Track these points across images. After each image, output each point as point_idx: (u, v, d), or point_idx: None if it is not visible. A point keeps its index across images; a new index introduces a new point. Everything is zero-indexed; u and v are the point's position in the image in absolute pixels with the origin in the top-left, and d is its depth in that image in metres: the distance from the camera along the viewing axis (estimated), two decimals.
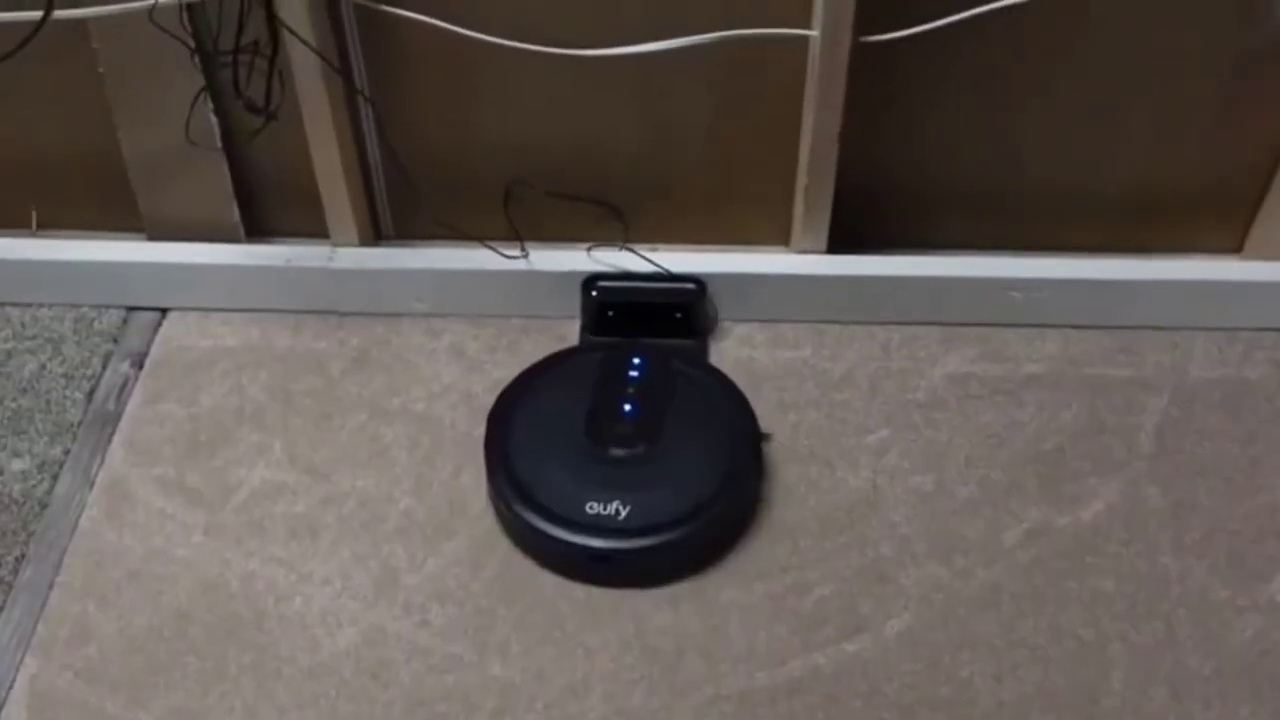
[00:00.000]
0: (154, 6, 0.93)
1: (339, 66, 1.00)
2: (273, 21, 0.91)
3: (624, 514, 0.95)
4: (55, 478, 1.03)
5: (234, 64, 0.94)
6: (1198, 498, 1.00)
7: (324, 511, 1.00)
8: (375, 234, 1.15)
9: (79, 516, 1.00)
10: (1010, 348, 1.11)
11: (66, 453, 1.04)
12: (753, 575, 0.96)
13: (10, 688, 0.90)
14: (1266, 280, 1.10)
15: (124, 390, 1.09)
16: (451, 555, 0.97)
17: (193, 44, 0.99)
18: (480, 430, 1.04)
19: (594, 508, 0.95)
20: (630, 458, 0.98)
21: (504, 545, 0.98)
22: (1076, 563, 0.96)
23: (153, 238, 1.15)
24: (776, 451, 1.03)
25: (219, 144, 1.07)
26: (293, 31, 0.94)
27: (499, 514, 0.99)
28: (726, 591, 0.95)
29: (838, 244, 1.11)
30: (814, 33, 0.97)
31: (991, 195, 1.11)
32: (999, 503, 1.00)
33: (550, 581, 0.95)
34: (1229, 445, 1.03)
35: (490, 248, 1.10)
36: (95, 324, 1.14)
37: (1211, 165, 1.08)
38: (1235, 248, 1.13)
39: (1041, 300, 1.11)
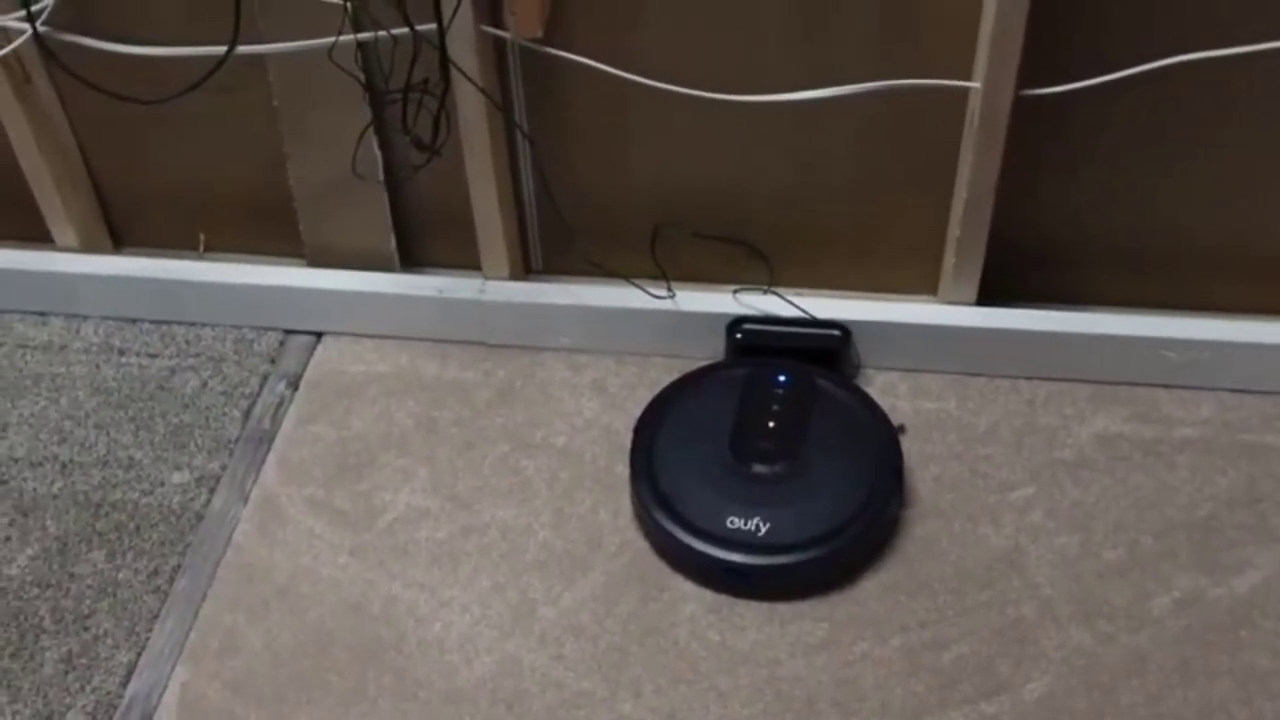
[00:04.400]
0: (334, 45, 0.96)
1: (502, 105, 1.03)
2: (445, 62, 0.94)
3: (764, 530, 0.96)
4: (212, 492, 1.06)
5: (404, 101, 0.97)
6: None
7: (465, 540, 1.02)
8: (525, 268, 1.17)
9: (233, 531, 1.04)
10: (1162, 409, 1.08)
11: (223, 468, 1.08)
12: (889, 628, 0.95)
13: (163, 693, 0.93)
14: None
15: (279, 410, 1.13)
16: (588, 590, 0.98)
17: (363, 80, 1.02)
18: (620, 467, 1.05)
19: (735, 522, 0.96)
20: (772, 474, 0.99)
21: (639, 583, 0.98)
22: (1229, 636, 0.93)
23: (312, 264, 1.19)
24: (917, 504, 1.02)
25: (381, 177, 1.10)
26: (461, 71, 0.96)
27: (640, 523, 1.00)
28: (861, 643, 0.94)
29: (986, 296, 1.10)
30: (976, 84, 0.97)
31: (1143, 253, 1.09)
32: (1148, 569, 0.97)
33: (685, 622, 0.96)
34: None
35: (637, 286, 1.11)
36: (255, 345, 1.18)
37: None
38: None
39: (1196, 361, 1.08)
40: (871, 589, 0.97)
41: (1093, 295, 1.11)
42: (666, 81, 1.00)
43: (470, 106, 1.01)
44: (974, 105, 0.98)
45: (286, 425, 1.12)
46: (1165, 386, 1.09)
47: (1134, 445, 1.06)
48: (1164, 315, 1.09)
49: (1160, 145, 1.02)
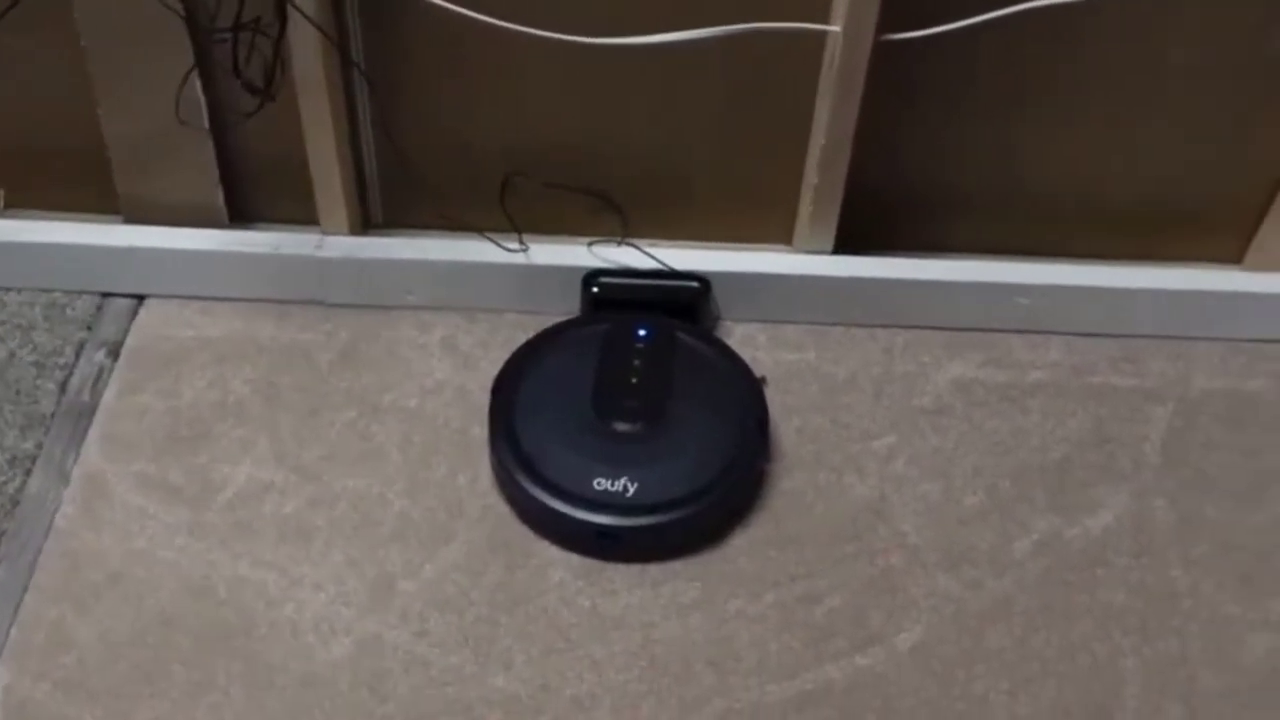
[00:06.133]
0: None
1: (339, 46, 0.96)
2: (282, 2, 0.87)
3: (632, 490, 0.93)
4: (28, 473, 0.97)
5: (234, 41, 0.89)
6: (1205, 511, 0.99)
7: (314, 513, 0.96)
8: (366, 222, 1.11)
9: (54, 515, 0.95)
10: (1015, 354, 1.09)
11: (39, 447, 0.99)
12: (761, 585, 0.93)
13: None
14: (1270, 291, 1.09)
15: (99, 381, 1.04)
16: (450, 561, 0.94)
17: (183, 16, 0.94)
18: (476, 429, 1.01)
19: (602, 483, 0.93)
20: (637, 433, 0.97)
21: (504, 550, 0.94)
22: (1086, 575, 0.95)
23: (130, 220, 1.10)
24: (783, 457, 1.01)
25: (206, 124, 1.02)
26: (297, 8, 0.89)
27: (503, 487, 0.96)
28: (735, 601, 0.92)
29: (842, 245, 1.09)
30: (835, 28, 0.94)
31: (999, 200, 1.09)
32: (1007, 512, 0.98)
33: (554, 589, 0.92)
34: (1234, 458, 1.02)
35: (488, 239, 1.06)
36: (68, 310, 1.09)
37: (1217, 177, 1.07)
38: (1236, 258, 1.13)
39: (1046, 307, 1.09)
40: (742, 545, 0.96)
41: (949, 243, 1.11)
42: (516, 22, 0.95)
43: (305, 46, 0.94)
44: (833, 50, 0.96)
45: (108, 397, 1.03)
46: (1017, 332, 1.10)
47: (989, 390, 1.07)
48: (1016, 262, 1.10)
49: (1015, 93, 1.02)
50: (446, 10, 0.94)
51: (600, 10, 0.96)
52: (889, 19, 0.94)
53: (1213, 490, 1.00)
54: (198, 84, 0.99)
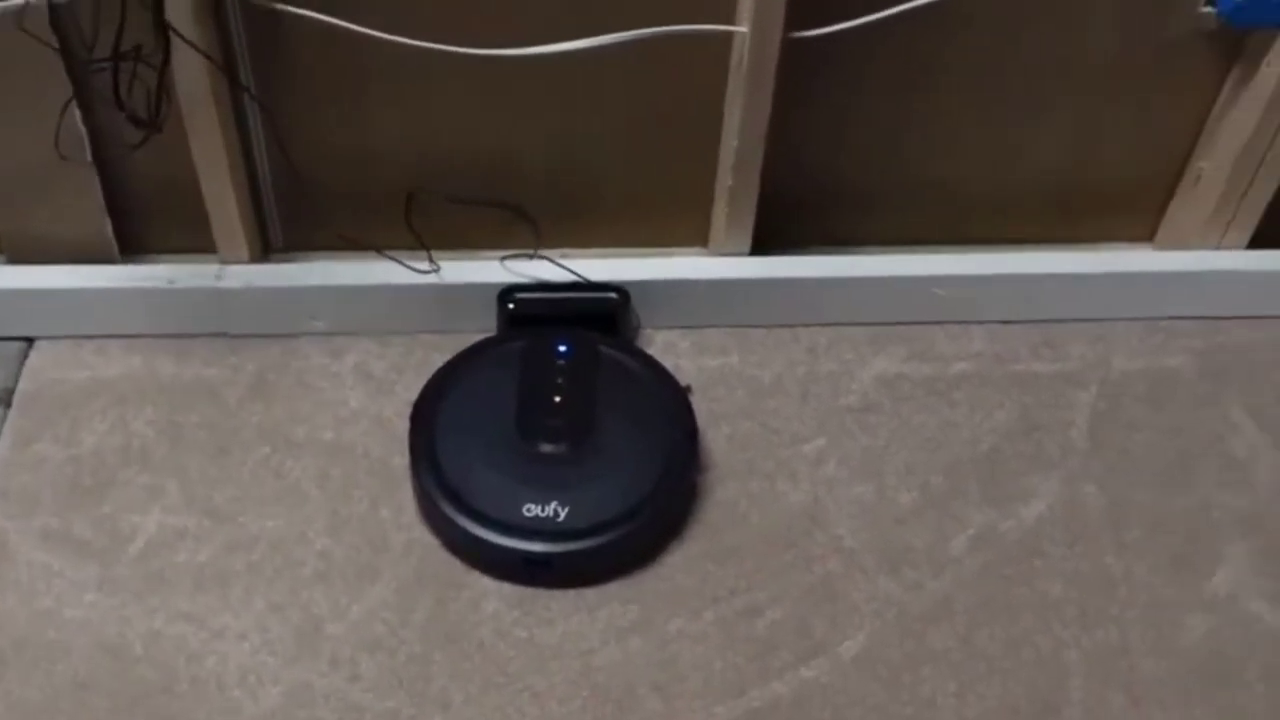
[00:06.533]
0: (24, 8, 0.82)
1: (226, 70, 0.91)
2: (162, 25, 0.82)
3: (563, 514, 0.91)
4: None
5: (114, 71, 0.84)
6: (1134, 494, 0.99)
7: (232, 558, 0.92)
8: (265, 247, 1.06)
9: None
10: (938, 346, 1.09)
11: None
12: (700, 601, 0.91)
13: None
14: (1180, 270, 1.10)
15: None
16: (378, 599, 0.90)
17: (57, 48, 0.88)
18: (397, 459, 0.97)
19: (531, 509, 0.91)
20: (565, 454, 0.94)
21: (434, 584, 0.91)
22: (1024, 567, 0.94)
23: (13, 258, 1.04)
24: (713, 467, 0.99)
25: (89, 157, 0.96)
26: (178, 34, 0.84)
27: (428, 519, 0.93)
28: (674, 621, 0.90)
29: (756, 245, 1.07)
30: (742, 29, 0.92)
31: (907, 193, 1.08)
32: (942, 509, 0.98)
33: (488, 621, 0.89)
34: (1158, 438, 1.03)
35: (395, 260, 1.02)
36: None
37: (1124, 158, 1.07)
38: (1148, 237, 1.13)
39: (965, 297, 1.09)
40: (678, 562, 0.93)
41: (862, 237, 1.10)
42: (407, 35, 0.91)
43: (190, 73, 0.89)
44: (741, 50, 0.94)
45: (2, 448, 0.98)
46: (938, 323, 1.10)
47: (915, 384, 1.06)
48: (931, 254, 1.09)
49: (916, 83, 1.01)
50: (338, 27, 0.90)
51: (498, 20, 0.93)
52: (794, 17, 0.92)
53: (1140, 473, 1.01)
54: (77, 115, 0.94)
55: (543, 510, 0.90)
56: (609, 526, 0.90)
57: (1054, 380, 1.07)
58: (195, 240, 1.03)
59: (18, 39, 0.86)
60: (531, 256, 1.05)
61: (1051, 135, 1.06)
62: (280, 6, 0.89)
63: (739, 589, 0.92)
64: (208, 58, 0.86)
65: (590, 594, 0.91)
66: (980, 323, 1.10)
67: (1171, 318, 1.11)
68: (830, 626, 0.90)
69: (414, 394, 0.99)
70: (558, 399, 0.97)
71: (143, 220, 1.04)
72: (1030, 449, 1.02)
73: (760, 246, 1.07)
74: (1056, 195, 1.10)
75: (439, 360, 1.03)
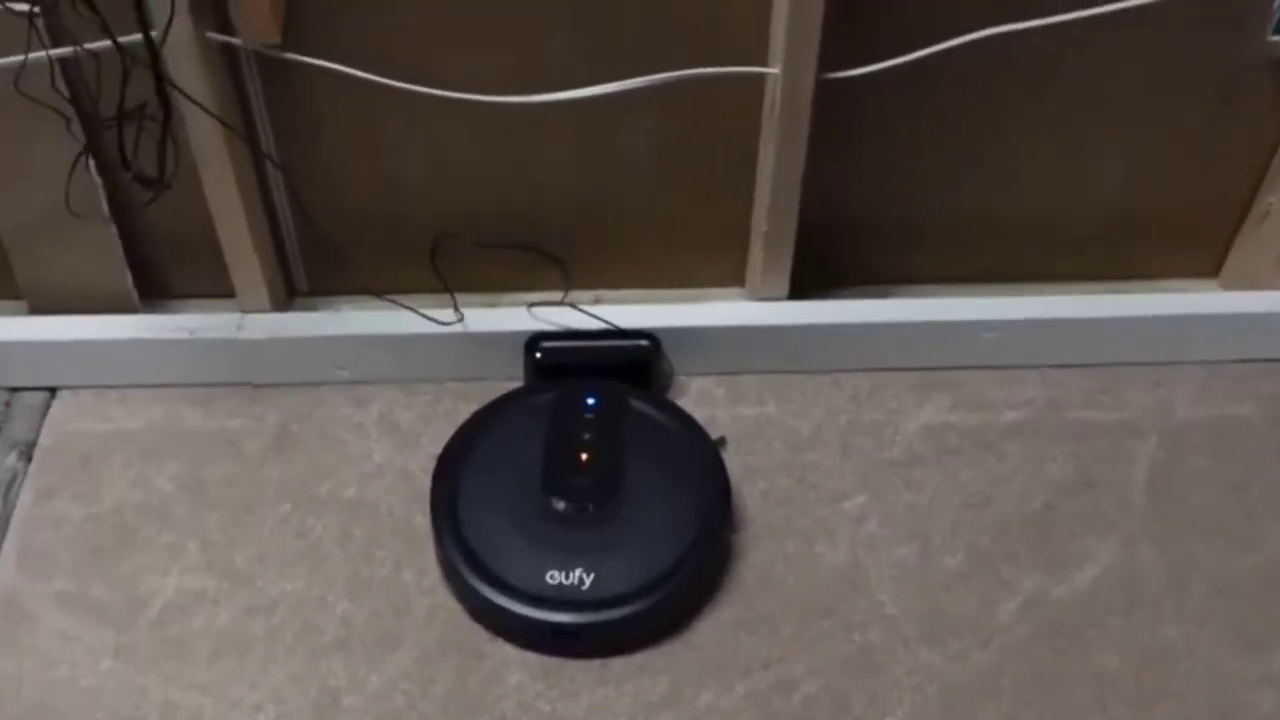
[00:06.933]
0: (22, 68, 0.80)
1: (242, 131, 0.88)
2: (161, 83, 0.79)
3: (588, 582, 0.87)
4: None
5: (119, 131, 0.81)
6: (1195, 555, 0.93)
7: (251, 623, 0.89)
8: (289, 290, 1.03)
9: None
10: (987, 393, 1.03)
11: None
12: (732, 673, 0.87)
13: None
14: (1247, 310, 1.04)
15: (12, 487, 0.97)
16: (398, 668, 0.87)
17: (71, 107, 0.86)
18: (420, 517, 0.94)
19: (555, 576, 0.87)
20: (591, 516, 0.90)
21: (456, 652, 0.88)
22: (1076, 638, 0.89)
23: (35, 307, 1.02)
24: (748, 525, 0.95)
25: (105, 211, 0.94)
26: (186, 95, 0.82)
27: (450, 583, 0.90)
28: (705, 694, 0.86)
29: (796, 283, 1.02)
30: (774, 70, 0.88)
31: (956, 230, 1.03)
32: (990, 573, 0.93)
33: (511, 694, 0.86)
34: (1222, 493, 0.97)
35: (419, 313, 0.99)
36: None
37: (1186, 193, 1.02)
38: (1211, 272, 1.07)
39: (1016, 340, 1.03)
40: (709, 630, 0.89)
41: (908, 275, 1.05)
42: (429, 84, 0.88)
43: (202, 129, 0.86)
44: (773, 92, 0.89)
45: (23, 505, 0.96)
46: (987, 368, 1.04)
47: (962, 436, 1.01)
48: (980, 297, 1.04)
49: (970, 120, 0.96)
50: (355, 76, 0.87)
51: (521, 63, 0.89)
52: (830, 57, 0.87)
53: (1203, 531, 0.95)
54: (92, 170, 0.91)
55: (567, 578, 0.87)
56: (636, 596, 0.87)
57: (1111, 430, 1.01)
58: (217, 283, 1.00)
59: (32, 93, 0.83)
60: (560, 301, 1.02)
61: (1107, 168, 1.00)
62: (297, 58, 0.86)
63: (773, 659, 0.88)
64: (216, 118, 0.83)
65: (617, 664, 0.88)
66: (1033, 367, 1.04)
67: (1238, 361, 1.05)
68: (869, 702, 0.86)
69: (440, 446, 0.96)
70: (584, 456, 0.93)
71: (163, 267, 1.02)
72: (1085, 506, 0.96)
73: (804, 284, 1.03)
74: (1113, 230, 1.04)
75: (465, 410, 1.00)
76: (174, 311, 1.03)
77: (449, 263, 1.01)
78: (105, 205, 0.94)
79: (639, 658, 0.88)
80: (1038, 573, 0.92)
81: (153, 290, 1.03)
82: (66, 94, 0.85)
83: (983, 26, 0.87)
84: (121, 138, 0.82)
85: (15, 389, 1.03)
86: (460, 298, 1.01)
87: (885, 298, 1.04)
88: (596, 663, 0.88)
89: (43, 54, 0.81)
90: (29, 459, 0.99)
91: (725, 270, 1.04)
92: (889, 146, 0.97)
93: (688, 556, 0.89)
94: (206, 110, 0.83)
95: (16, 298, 1.02)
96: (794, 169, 0.93)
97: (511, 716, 0.85)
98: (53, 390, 1.03)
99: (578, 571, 0.87)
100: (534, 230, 1.01)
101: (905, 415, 1.02)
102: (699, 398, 1.03)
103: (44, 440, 1.00)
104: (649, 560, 0.88)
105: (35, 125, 0.87)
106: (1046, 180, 1.00)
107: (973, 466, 0.99)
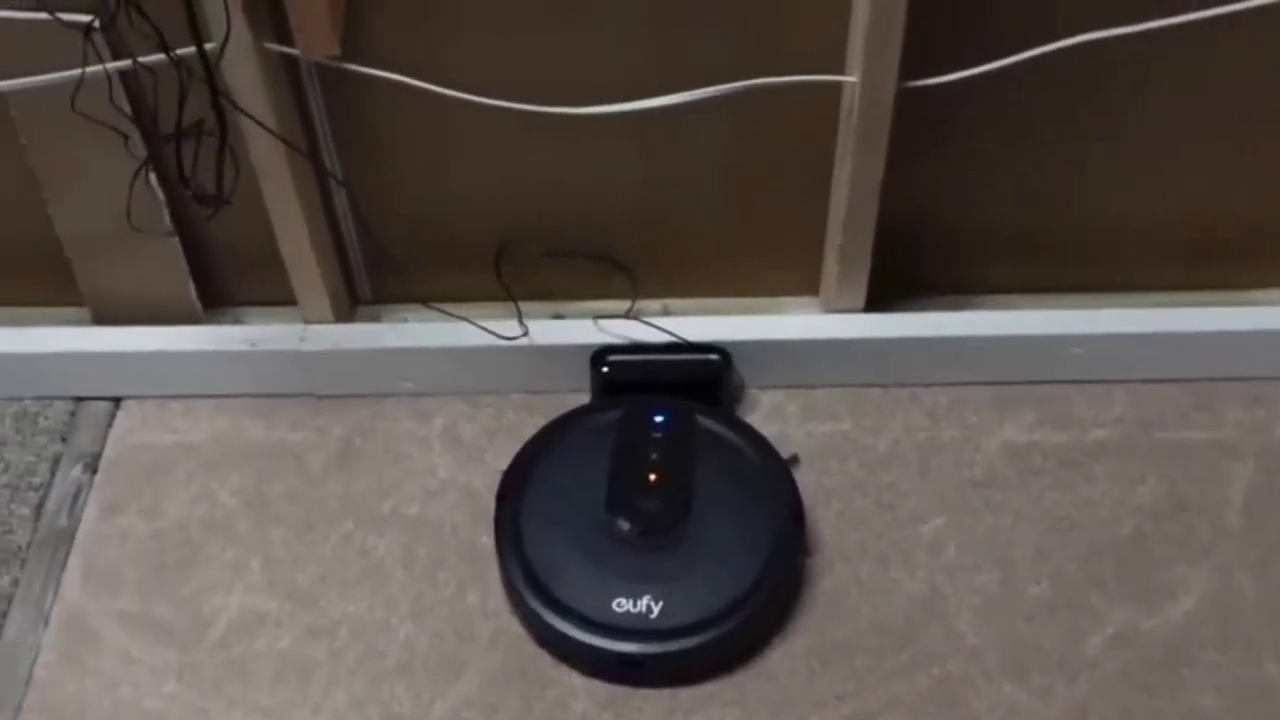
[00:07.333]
0: (80, 84, 0.78)
1: (302, 145, 0.86)
2: (217, 97, 0.77)
3: (656, 611, 0.84)
4: (4, 615, 0.90)
5: (177, 148, 0.79)
6: None
7: (313, 646, 0.88)
8: (352, 299, 1.02)
9: (33, 663, 0.88)
10: (1073, 410, 0.99)
11: (15, 584, 0.91)
12: (806, 706, 0.84)
13: None
14: None
15: (77, 501, 0.96)
16: (461, 696, 0.85)
17: (129, 123, 0.84)
18: (485, 537, 0.92)
19: (622, 604, 0.85)
20: (658, 541, 0.87)
21: (520, 680, 0.86)
22: (1170, 675, 0.85)
23: (97, 315, 1.01)
24: (821, 549, 0.91)
25: (168, 224, 0.93)
26: (242, 110, 0.80)
27: (515, 608, 0.88)
28: None
29: (872, 291, 0.98)
30: (852, 79, 0.84)
31: (1045, 236, 0.98)
32: (1077, 603, 0.88)
33: None
34: None
35: (484, 329, 0.97)
36: (40, 420, 1.01)
37: None
38: None
39: (1104, 354, 0.98)
40: (781, 659, 0.87)
41: (991, 284, 1.01)
42: (492, 94, 0.85)
43: (262, 143, 0.84)
44: (851, 100, 0.85)
45: (88, 520, 0.95)
46: (1074, 383, 1.00)
47: (1046, 455, 0.96)
48: (1067, 310, 0.99)
49: (1058, 125, 0.91)
50: (416, 87, 0.84)
51: (589, 72, 0.86)
52: (910, 63, 0.83)
53: None
54: (154, 183, 0.90)
55: (634, 605, 0.84)
56: (706, 625, 0.84)
57: (1206, 450, 0.96)
58: (282, 292, 0.98)
59: (90, 107, 0.82)
60: (628, 312, 0.99)
61: (1201, 174, 0.94)
62: (359, 69, 0.84)
63: (848, 693, 0.85)
64: (275, 135, 0.81)
65: (686, 695, 0.85)
66: (1122, 382, 1.00)
67: None
68: None
69: (504, 461, 0.94)
70: (652, 477, 0.90)
71: (226, 276, 1.00)
72: (1178, 532, 0.92)
73: (874, 291, 0.98)
74: (1207, 239, 0.99)
75: (530, 423, 0.97)
76: (237, 318, 1.02)
77: (513, 271, 0.98)
78: (168, 218, 0.92)
79: (708, 688, 0.85)
80: (1127, 603, 0.88)
81: (216, 298, 1.01)
82: (126, 109, 0.83)
83: (1071, 32, 0.82)
84: (180, 154, 0.80)
85: (81, 399, 1.02)
86: (525, 306, 0.99)
87: (965, 309, 1.00)
88: (665, 692, 0.85)
89: (100, 68, 0.79)
90: (94, 470, 0.98)
91: (797, 278, 1.00)
92: (970, 153, 0.93)
93: (760, 583, 0.86)
94: (264, 126, 0.80)
95: (78, 304, 1.01)
96: (872, 179, 0.88)
97: None
98: (117, 401, 1.02)
99: (645, 599, 0.84)
100: (600, 238, 0.98)
101: (986, 432, 0.98)
102: (770, 413, 0.99)
103: (109, 452, 0.99)
104: (719, 587, 0.85)
105: (94, 139, 0.85)
106: (1136, 187, 0.95)
107: (1058, 488, 0.94)
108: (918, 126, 0.88)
